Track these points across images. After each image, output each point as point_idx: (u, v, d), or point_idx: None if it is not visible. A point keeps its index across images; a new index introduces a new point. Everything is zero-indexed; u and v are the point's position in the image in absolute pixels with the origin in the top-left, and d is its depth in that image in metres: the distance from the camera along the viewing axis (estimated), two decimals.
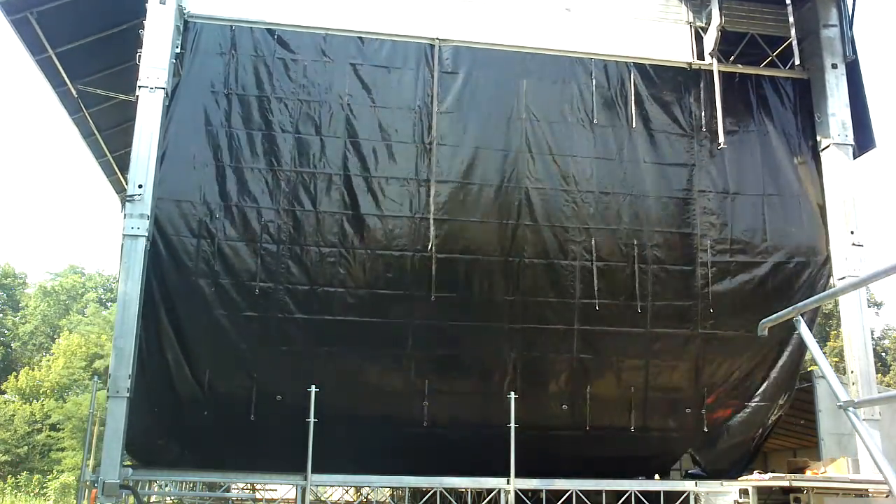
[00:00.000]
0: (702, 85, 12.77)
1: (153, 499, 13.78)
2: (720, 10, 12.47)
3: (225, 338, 11.14)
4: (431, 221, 11.58)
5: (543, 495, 11.24)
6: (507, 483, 10.85)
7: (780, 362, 12.35)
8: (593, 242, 11.96)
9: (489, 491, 11.03)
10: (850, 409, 3.62)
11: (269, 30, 11.89)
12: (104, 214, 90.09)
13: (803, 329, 4.11)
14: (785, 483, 10.50)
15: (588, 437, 11.96)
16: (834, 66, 12.91)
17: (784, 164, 12.83)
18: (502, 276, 11.77)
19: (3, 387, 42.85)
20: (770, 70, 13.22)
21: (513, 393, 11.15)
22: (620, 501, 11.23)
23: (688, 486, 11.67)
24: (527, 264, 11.84)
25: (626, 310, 11.93)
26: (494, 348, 11.75)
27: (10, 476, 37.59)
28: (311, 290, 11.32)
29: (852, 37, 13.11)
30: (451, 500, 10.96)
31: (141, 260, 10.58)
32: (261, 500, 16.10)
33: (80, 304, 53.50)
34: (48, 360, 44.42)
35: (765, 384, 12.34)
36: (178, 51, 11.52)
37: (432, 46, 12.17)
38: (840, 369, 19.07)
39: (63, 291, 53.23)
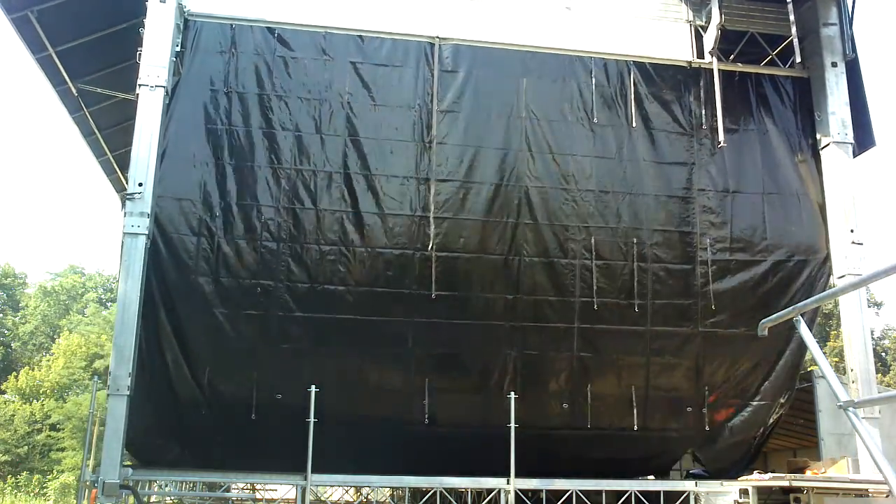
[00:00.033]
0: (702, 83, 12.78)
1: (153, 499, 13.77)
2: (720, 8, 12.48)
3: (225, 336, 11.14)
4: (431, 220, 11.59)
5: (543, 495, 11.24)
6: (507, 483, 10.85)
7: (781, 361, 12.35)
8: (593, 241, 11.97)
9: (489, 491, 11.03)
10: (850, 409, 3.62)
11: (269, 28, 11.91)
12: (104, 214, 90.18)
13: (803, 329, 4.10)
14: (785, 483, 10.50)
15: (588, 437, 11.95)
16: (834, 65, 12.92)
17: (784, 162, 12.84)
18: (502, 275, 11.77)
19: (3, 387, 42.84)
20: (770, 69, 13.23)
21: (513, 393, 11.15)
22: (620, 501, 11.23)
23: (688, 486, 11.67)
24: (527, 263, 11.84)
25: (626, 308, 11.94)
26: (494, 347, 11.75)
27: (10, 476, 37.58)
28: (312, 288, 11.32)
29: (852, 35, 13.12)
30: (451, 500, 10.95)
31: (141, 258, 10.59)
32: (261, 500, 16.09)
33: (80, 304, 53.50)
34: (48, 360, 44.41)
35: (766, 383, 12.34)
36: (178, 49, 11.53)
37: (432, 45, 12.18)
38: (840, 369, 19.07)
39: (63, 291, 53.23)
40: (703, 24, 13.00)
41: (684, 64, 12.92)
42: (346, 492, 20.81)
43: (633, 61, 12.70)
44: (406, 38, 12.18)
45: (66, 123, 14.87)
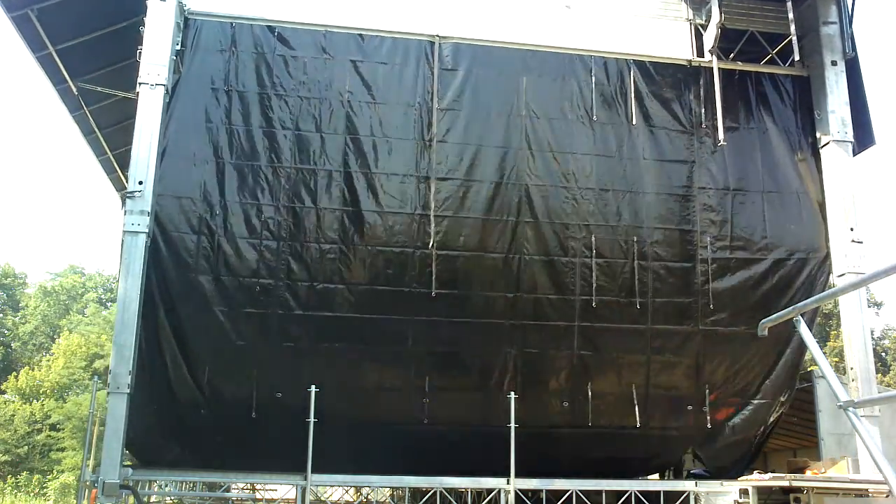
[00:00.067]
0: (701, 82, 12.80)
1: (153, 499, 13.75)
2: (720, 7, 12.49)
3: (225, 335, 11.14)
4: (432, 218, 11.59)
5: (543, 495, 11.23)
6: (507, 483, 10.84)
7: (782, 360, 12.35)
8: (593, 239, 11.97)
9: (489, 491, 11.02)
10: (850, 409, 3.62)
11: (269, 27, 11.91)
12: (104, 214, 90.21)
13: (803, 329, 4.11)
14: (785, 483, 10.50)
15: (589, 435, 11.95)
16: (834, 64, 12.94)
17: (784, 161, 12.85)
18: (502, 273, 11.77)
19: (3, 387, 42.84)
20: (770, 67, 13.24)
21: (513, 393, 11.15)
22: (620, 501, 11.22)
23: (688, 486, 11.67)
24: (527, 261, 11.84)
25: (626, 306, 11.94)
26: (494, 345, 11.74)
27: (10, 476, 37.57)
28: (312, 286, 11.32)
29: (852, 34, 13.14)
30: (451, 500, 10.94)
31: (141, 256, 10.59)
32: (261, 500, 16.09)
33: (80, 304, 53.51)
34: (48, 360, 44.41)
35: (766, 381, 12.33)
36: (178, 48, 11.54)
37: (432, 43, 12.19)
38: (840, 369, 19.05)
39: (63, 291, 53.24)
40: (703, 22, 13.01)
41: (684, 62, 12.93)
42: (346, 492, 20.79)
43: (633, 60, 12.71)
44: (406, 36, 12.19)
45: (67, 122, 14.90)
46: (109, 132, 15.51)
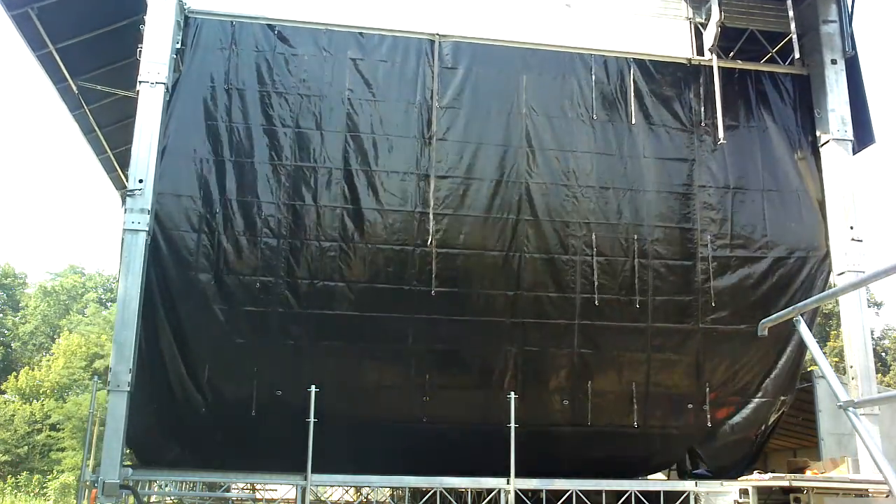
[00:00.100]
0: (701, 81, 12.80)
1: (153, 499, 13.74)
2: (720, 6, 12.50)
3: (224, 333, 11.12)
4: (432, 216, 11.60)
5: (543, 495, 11.21)
6: (507, 483, 10.83)
7: (783, 358, 12.32)
8: (594, 237, 11.97)
9: (489, 491, 11.01)
10: (850, 409, 3.62)
11: (269, 25, 11.91)
12: (104, 214, 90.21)
13: (803, 329, 4.11)
14: (785, 483, 10.51)
15: (589, 434, 11.93)
16: (833, 62, 12.95)
17: (784, 159, 12.86)
18: (502, 271, 11.77)
19: (3, 387, 42.86)
20: (770, 66, 13.24)
21: (513, 393, 11.14)
22: (620, 501, 11.21)
23: (688, 486, 11.66)
24: (527, 259, 11.84)
25: (626, 305, 11.93)
26: (495, 343, 11.73)
27: (10, 476, 37.59)
28: (312, 284, 11.32)
29: (852, 33, 13.14)
30: (451, 500, 10.93)
31: (141, 254, 10.58)
32: (261, 500, 16.08)
33: (80, 304, 53.53)
34: (48, 360, 44.43)
35: (767, 380, 12.31)
36: (178, 46, 11.53)
37: (432, 42, 12.20)
38: (840, 369, 19.07)
39: (63, 291, 53.26)
40: (703, 21, 13.02)
41: (684, 61, 12.93)
42: (346, 492, 20.79)
43: (633, 58, 12.71)
44: (406, 35, 12.20)
45: (67, 121, 14.93)
46: (109, 131, 15.52)
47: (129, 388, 10.06)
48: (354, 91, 11.84)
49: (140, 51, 11.21)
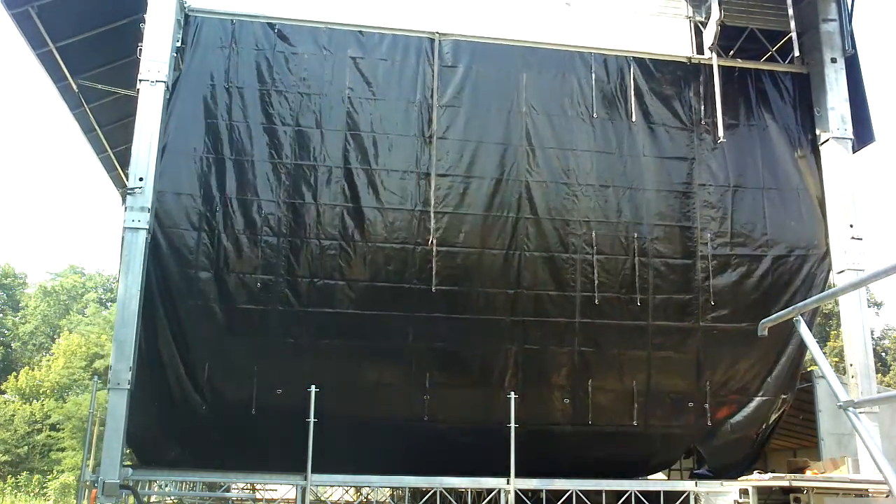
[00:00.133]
0: (701, 79, 12.82)
1: (153, 499, 13.73)
2: (720, 4, 12.51)
3: (224, 331, 11.13)
4: (432, 214, 11.61)
5: (543, 495, 11.21)
6: (507, 483, 10.83)
7: (783, 357, 12.31)
8: (594, 235, 11.99)
9: (489, 491, 11.01)
10: (850, 409, 3.62)
11: (269, 24, 11.93)
12: (104, 214, 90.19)
13: (803, 329, 4.11)
14: (785, 483, 10.51)
15: (589, 433, 11.93)
16: (833, 61, 12.96)
17: (784, 157, 12.87)
18: (503, 270, 11.78)
19: (3, 387, 42.84)
20: (769, 64, 13.25)
21: (513, 393, 11.14)
22: (620, 501, 11.21)
23: (688, 486, 11.66)
24: (527, 258, 11.86)
25: (626, 303, 11.95)
26: (495, 342, 11.74)
27: (10, 476, 37.57)
28: (312, 283, 11.32)
29: (851, 31, 13.16)
30: (451, 500, 10.93)
31: (142, 253, 10.59)
32: (261, 500, 16.08)
33: (80, 304, 53.52)
34: (48, 360, 44.42)
35: (768, 378, 12.30)
36: (178, 45, 11.55)
37: (432, 40, 12.22)
38: (840, 369, 19.03)
39: (63, 291, 53.25)
40: (703, 20, 13.03)
41: (684, 60, 12.95)
42: (346, 492, 20.77)
43: (633, 57, 12.74)
44: (406, 33, 12.21)
45: (67, 120, 14.95)
46: (110, 130, 15.54)
47: (129, 387, 10.06)
48: (354, 89, 11.85)
49: (140, 49, 11.22)
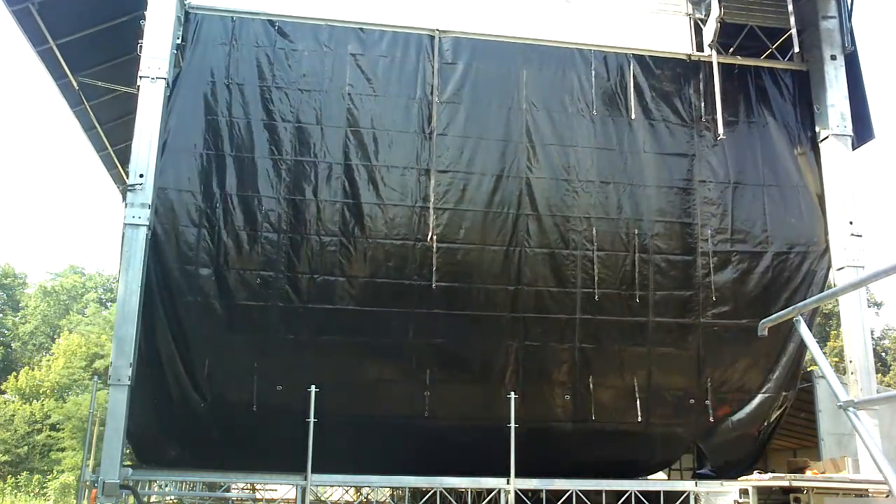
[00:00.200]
0: (701, 76, 12.84)
1: (153, 499, 13.71)
2: (719, 1, 12.51)
3: (224, 327, 11.13)
4: (432, 211, 11.62)
5: (543, 495, 11.20)
6: (507, 483, 10.83)
7: (784, 354, 12.31)
8: (594, 232, 12.00)
9: (489, 491, 11.00)
10: (850, 408, 3.62)
11: (269, 21, 11.94)
12: (105, 213, 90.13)
13: (803, 329, 4.12)
14: (785, 483, 10.51)
15: (590, 430, 11.92)
16: (833, 58, 12.97)
17: (783, 154, 12.89)
18: (503, 266, 11.78)
19: (3, 387, 42.82)
20: (769, 62, 13.27)
21: (513, 392, 11.14)
22: (620, 501, 11.20)
23: (688, 486, 11.66)
24: (528, 254, 11.86)
25: (627, 299, 11.95)
26: (495, 338, 11.74)
27: (10, 476, 37.54)
28: (312, 279, 11.33)
29: (851, 28, 13.17)
30: (451, 500, 10.92)
31: (142, 249, 10.60)
32: (261, 500, 16.06)
33: (81, 304, 53.51)
34: (48, 360, 44.41)
35: (769, 375, 12.30)
36: (178, 42, 11.56)
37: (432, 37, 12.22)
38: (840, 369, 19.03)
39: (63, 291, 53.23)
40: (703, 17, 13.05)
41: (684, 57, 12.97)
42: (346, 492, 20.76)
43: (633, 54, 12.75)
44: (406, 30, 12.23)
45: (67, 118, 15.00)
46: (110, 127, 15.56)
47: (129, 383, 10.05)
48: (355, 86, 11.86)
49: (141, 46, 11.23)
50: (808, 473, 11.36)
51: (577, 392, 11.89)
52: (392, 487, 17.48)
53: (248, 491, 16.66)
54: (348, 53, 11.96)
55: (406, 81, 12.02)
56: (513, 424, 10.83)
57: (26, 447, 38.87)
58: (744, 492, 11.01)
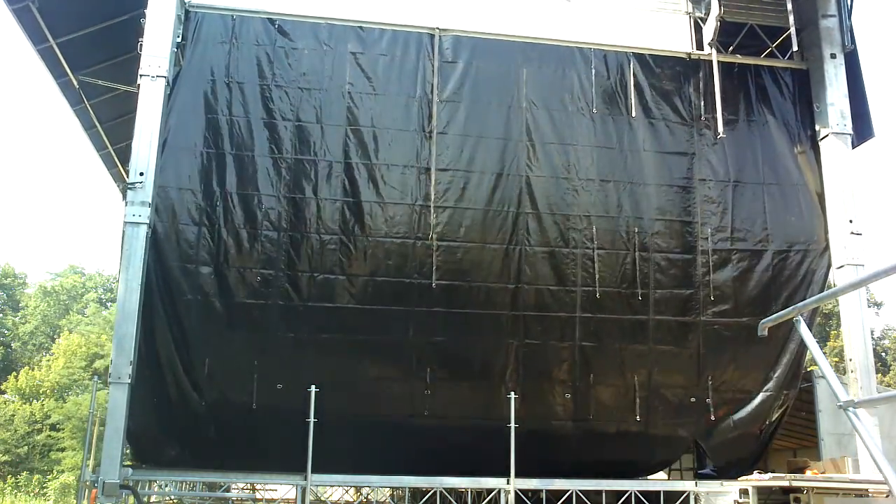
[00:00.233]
0: (701, 75, 12.84)
1: (153, 499, 13.71)
2: (719, 0, 12.52)
3: (224, 326, 11.13)
4: (432, 209, 11.62)
5: (543, 495, 11.20)
6: (507, 483, 10.82)
7: (786, 352, 12.29)
8: (594, 230, 12.00)
9: (489, 491, 11.00)
10: (850, 408, 3.61)
11: (269, 19, 11.95)
12: (105, 213, 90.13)
13: (803, 329, 4.12)
14: (785, 483, 10.51)
15: (591, 429, 11.92)
16: (833, 57, 12.98)
17: (783, 153, 12.89)
18: (503, 265, 11.78)
19: (3, 387, 42.83)
20: (769, 60, 13.28)
21: (513, 393, 11.13)
22: (620, 501, 11.19)
23: (688, 486, 11.65)
24: (528, 252, 11.86)
25: (627, 298, 11.95)
26: (496, 337, 11.73)
27: (10, 476, 37.54)
28: (312, 277, 11.33)
29: (851, 27, 13.18)
30: (451, 500, 10.91)
31: (142, 247, 10.60)
32: (261, 500, 16.06)
33: (81, 304, 53.52)
34: (48, 360, 44.42)
35: (770, 374, 12.28)
36: (179, 40, 11.56)
37: (432, 36, 12.23)
38: (840, 369, 19.04)
39: (63, 291, 53.24)
40: (703, 15, 13.06)
41: (684, 55, 12.97)
42: (346, 492, 20.76)
43: (633, 52, 12.76)
44: (406, 28, 12.23)
45: (67, 117, 15.01)
46: (110, 126, 15.56)
47: (129, 381, 10.05)
48: (355, 85, 11.87)
49: (141, 45, 11.23)
50: (808, 473, 11.35)
51: (577, 390, 11.88)
52: (392, 487, 17.47)
53: (247, 491, 16.65)
54: (348, 52, 11.97)
55: (406, 80, 12.03)
56: (513, 424, 10.83)
57: (26, 447, 38.88)
58: (744, 492, 11.01)
